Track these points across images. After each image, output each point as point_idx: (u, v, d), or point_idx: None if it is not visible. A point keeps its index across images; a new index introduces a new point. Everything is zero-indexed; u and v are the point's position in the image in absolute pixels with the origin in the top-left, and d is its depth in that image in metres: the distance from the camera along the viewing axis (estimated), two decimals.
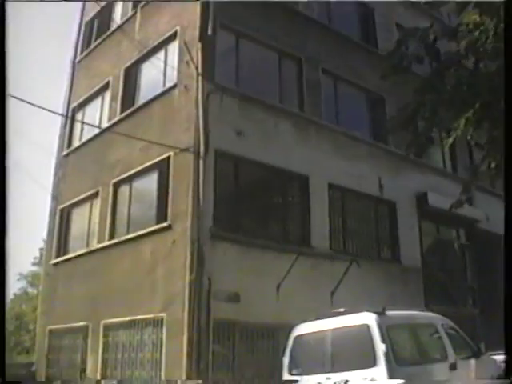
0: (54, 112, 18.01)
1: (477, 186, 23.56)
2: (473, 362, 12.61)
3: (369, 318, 10.56)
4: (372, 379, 9.91)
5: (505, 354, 5.82)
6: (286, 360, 11.61)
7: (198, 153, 14.75)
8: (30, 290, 32.10)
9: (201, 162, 14.74)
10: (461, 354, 12.19)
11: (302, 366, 11.31)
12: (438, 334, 12.06)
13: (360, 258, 17.15)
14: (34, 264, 36.44)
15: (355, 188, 18.92)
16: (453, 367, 11.57)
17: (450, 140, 10.94)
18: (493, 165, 11.25)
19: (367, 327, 10.42)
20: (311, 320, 11.67)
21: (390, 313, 11.02)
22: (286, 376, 11.41)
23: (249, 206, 16.15)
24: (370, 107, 21.56)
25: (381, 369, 9.91)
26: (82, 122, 21.03)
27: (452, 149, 23.94)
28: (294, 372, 11.31)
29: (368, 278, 17.28)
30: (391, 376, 9.81)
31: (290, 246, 16.30)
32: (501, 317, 21.76)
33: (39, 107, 12.62)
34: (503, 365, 14.10)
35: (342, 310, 11.38)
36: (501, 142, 10.63)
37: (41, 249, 31.66)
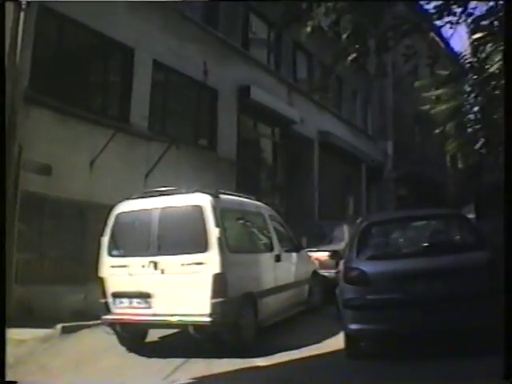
0: None
1: (295, 87, 23.78)
2: (294, 255, 12.65)
3: (203, 200, 9.83)
4: (201, 263, 9.35)
5: (505, 354, 5.59)
6: (105, 240, 10.40)
7: (19, 3, 12.85)
8: None
9: (21, 14, 12.83)
10: (284, 246, 12.13)
11: (124, 247, 10.29)
12: (265, 224, 11.80)
13: (178, 142, 16.44)
14: None
15: (180, 69, 18.04)
16: (277, 259, 11.50)
17: (308, 28, 10.14)
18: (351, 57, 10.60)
19: (200, 209, 9.70)
20: (137, 197, 10.63)
21: (223, 196, 10.43)
22: (106, 257, 10.34)
23: (69, 71, 14.53)
24: None
25: (212, 254, 9.37)
26: None
27: (278, 47, 23.78)
28: (114, 253, 10.27)
29: (183, 163, 16.88)
30: (222, 262, 9.33)
31: (108, 121, 15.27)
32: (303, 216, 22.15)
33: None
34: (316, 261, 14.47)
35: (171, 188, 10.44)
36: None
37: None
